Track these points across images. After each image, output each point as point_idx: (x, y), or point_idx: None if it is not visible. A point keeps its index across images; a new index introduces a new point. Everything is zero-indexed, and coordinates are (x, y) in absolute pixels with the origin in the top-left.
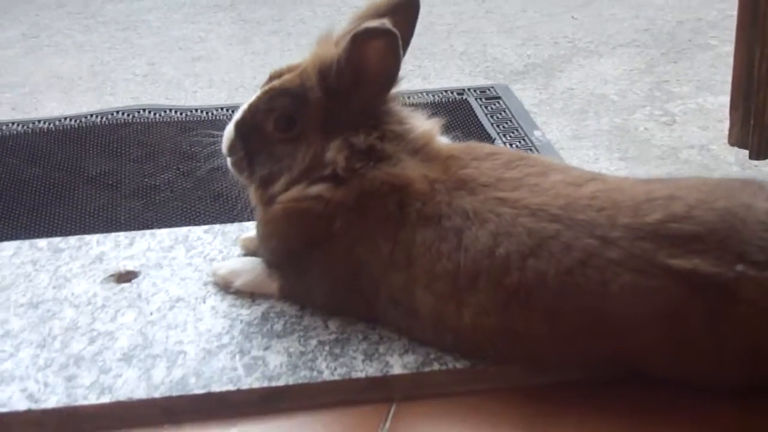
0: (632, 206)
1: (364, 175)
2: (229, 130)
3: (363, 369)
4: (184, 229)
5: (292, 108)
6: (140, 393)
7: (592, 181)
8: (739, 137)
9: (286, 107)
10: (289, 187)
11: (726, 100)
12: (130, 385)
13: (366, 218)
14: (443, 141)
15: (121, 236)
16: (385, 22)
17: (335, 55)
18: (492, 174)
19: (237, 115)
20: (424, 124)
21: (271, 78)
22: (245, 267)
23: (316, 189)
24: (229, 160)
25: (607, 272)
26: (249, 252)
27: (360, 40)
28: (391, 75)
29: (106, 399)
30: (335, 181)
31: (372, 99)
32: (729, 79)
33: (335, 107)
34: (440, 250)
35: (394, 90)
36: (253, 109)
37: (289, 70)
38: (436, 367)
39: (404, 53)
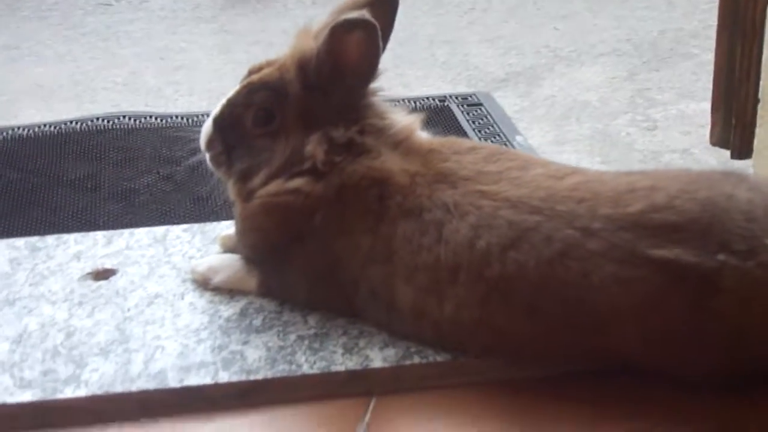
0: (613, 197)
1: (343, 168)
2: (207, 125)
3: (342, 363)
4: (162, 228)
5: (270, 102)
6: (117, 387)
7: (572, 173)
8: (720, 137)
9: (265, 101)
10: (268, 182)
11: (707, 106)
12: (107, 378)
13: (346, 212)
14: (424, 135)
15: (99, 235)
16: (364, 13)
17: (314, 48)
18: (472, 167)
19: (215, 111)
20: (404, 119)
21: (250, 73)
22: (224, 263)
23: (296, 183)
24: (207, 156)
25: (588, 263)
26: (228, 250)
27: (339, 31)
28: (370, 67)
29: (82, 393)
30: (314, 175)
31: (352, 92)
32: (710, 86)
33: (315, 101)
34: (421, 244)
35: (374, 84)
36: (231, 104)
37: (269, 64)
38: (416, 360)
39: (384, 46)
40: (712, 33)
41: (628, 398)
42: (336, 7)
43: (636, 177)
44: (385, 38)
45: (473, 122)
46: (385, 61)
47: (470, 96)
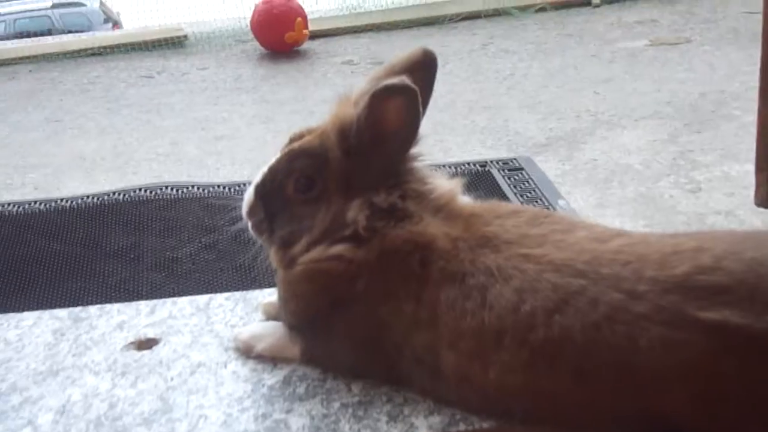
0: (659, 259)
1: (385, 234)
2: (249, 193)
3: (387, 430)
4: (205, 297)
5: (312, 169)
6: None
7: (617, 236)
8: (765, 198)
9: (306, 168)
10: (309, 248)
11: (751, 167)
12: None
13: (388, 278)
14: (465, 200)
15: (142, 305)
16: (404, 79)
17: (354, 114)
18: (515, 231)
19: (257, 178)
20: (445, 183)
21: (291, 140)
22: (267, 331)
23: (337, 249)
24: (249, 223)
25: (635, 327)
26: (270, 317)
27: (379, 97)
28: (410, 132)
29: None
30: (356, 240)
31: (392, 157)
32: (753, 147)
33: (355, 167)
34: (464, 308)
35: (415, 149)
36: (273, 171)
37: (309, 132)
38: (462, 427)
39: (424, 111)
40: (754, 95)
41: None
42: (375, 73)
43: (681, 239)
44: (425, 103)
45: (515, 187)
46: (425, 127)
47: (511, 161)
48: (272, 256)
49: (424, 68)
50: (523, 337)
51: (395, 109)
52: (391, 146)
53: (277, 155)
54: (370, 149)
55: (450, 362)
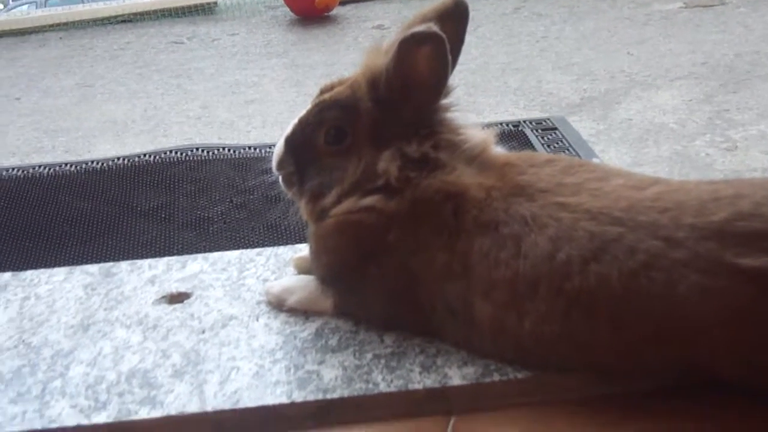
0: (697, 206)
1: (417, 184)
2: (279, 145)
3: (420, 381)
4: (236, 252)
5: (342, 120)
6: (192, 407)
7: (654, 184)
8: None
9: (337, 119)
10: (340, 200)
11: None
12: (182, 399)
13: (421, 228)
14: (499, 150)
15: (173, 260)
16: (431, 26)
17: (384, 64)
18: (550, 180)
19: (287, 130)
20: (479, 134)
21: (322, 92)
22: (299, 284)
23: (369, 200)
24: (279, 176)
25: (673, 274)
26: (302, 272)
27: (407, 45)
28: (440, 80)
29: (157, 413)
30: (388, 191)
31: (423, 107)
32: None
33: (386, 117)
34: (498, 258)
35: (447, 100)
36: (303, 123)
37: (340, 83)
38: (496, 377)
39: (454, 60)
40: None
41: (719, 415)
42: (405, 23)
43: (720, 185)
44: (455, 52)
45: (548, 146)
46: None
47: (545, 120)
48: (302, 209)
49: (454, 16)
50: (559, 286)
51: (423, 57)
52: (421, 95)
53: (308, 107)
54: (400, 99)
55: (484, 313)
